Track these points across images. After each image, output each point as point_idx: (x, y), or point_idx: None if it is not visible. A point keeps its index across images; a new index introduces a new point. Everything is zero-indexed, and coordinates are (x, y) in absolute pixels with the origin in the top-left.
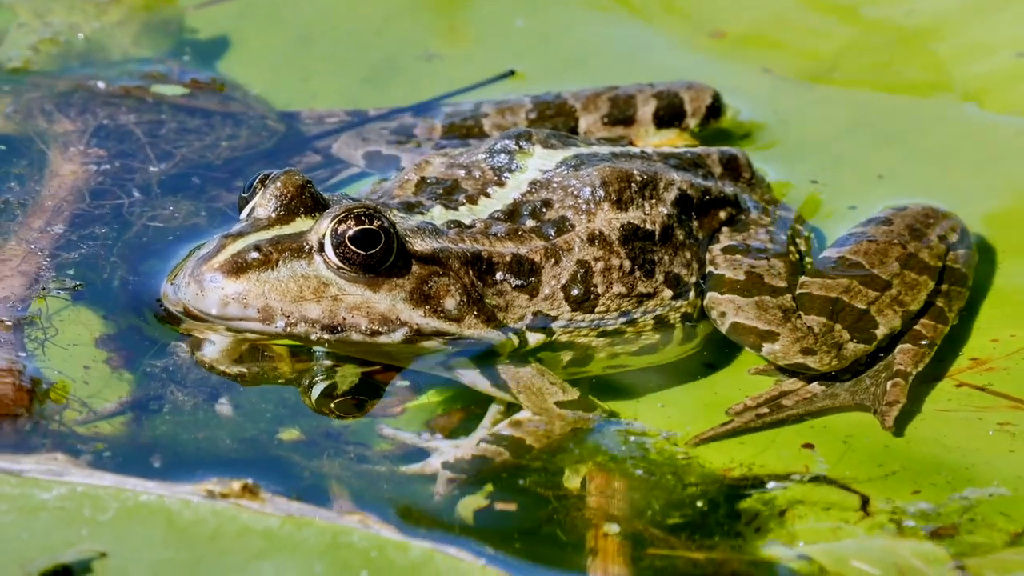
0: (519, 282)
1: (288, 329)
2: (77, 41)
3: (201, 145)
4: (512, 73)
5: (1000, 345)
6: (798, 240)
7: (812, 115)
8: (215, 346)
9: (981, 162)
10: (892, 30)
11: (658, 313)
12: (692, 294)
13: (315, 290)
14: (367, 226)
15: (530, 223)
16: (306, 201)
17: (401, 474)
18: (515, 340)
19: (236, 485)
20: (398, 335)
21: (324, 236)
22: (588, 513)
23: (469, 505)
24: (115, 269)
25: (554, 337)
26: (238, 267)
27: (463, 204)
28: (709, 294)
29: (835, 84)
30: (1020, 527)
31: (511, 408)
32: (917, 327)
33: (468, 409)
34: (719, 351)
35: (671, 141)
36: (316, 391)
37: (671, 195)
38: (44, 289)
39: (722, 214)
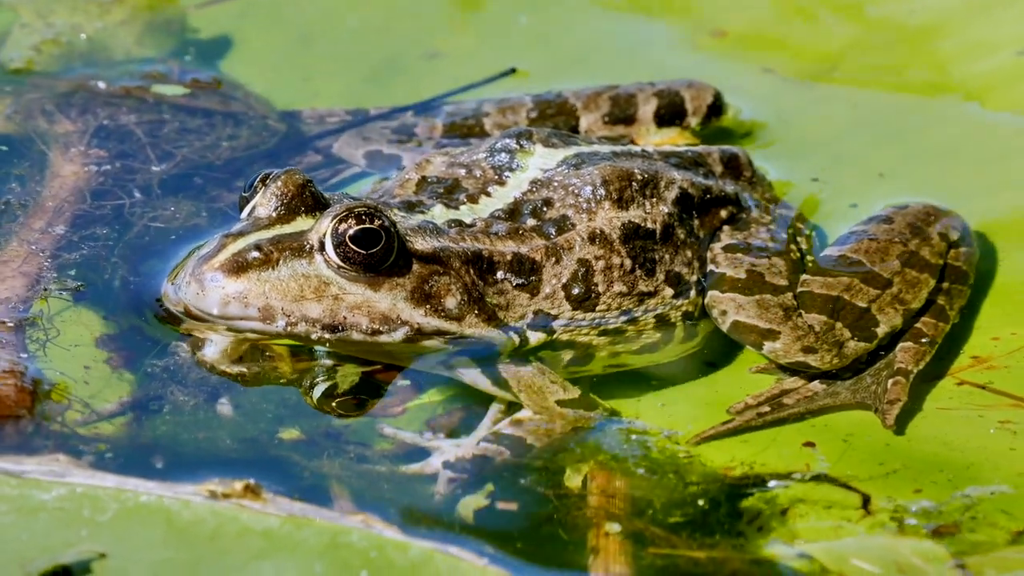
0: (520, 281)
1: (289, 328)
2: (79, 41)
3: (202, 145)
4: (514, 71)
5: (1001, 343)
6: (799, 238)
7: (813, 114)
8: (216, 346)
9: (983, 160)
10: (894, 29)
11: (659, 312)
12: (693, 293)
13: (316, 289)
14: (368, 225)
15: (531, 222)
16: (307, 200)
17: (402, 474)
18: (516, 339)
19: (238, 485)
20: (399, 334)
21: (325, 235)
22: (589, 512)
23: (470, 505)
24: (116, 270)
25: (555, 336)
26: (239, 266)
27: (464, 203)
28: (710, 292)
29: (836, 83)
30: (1021, 525)
31: (512, 407)
32: (918, 325)
33: (469, 408)
34: (720, 350)
35: (672, 140)
36: (317, 390)
37: (672, 194)
38: (45, 290)
39: (723, 213)
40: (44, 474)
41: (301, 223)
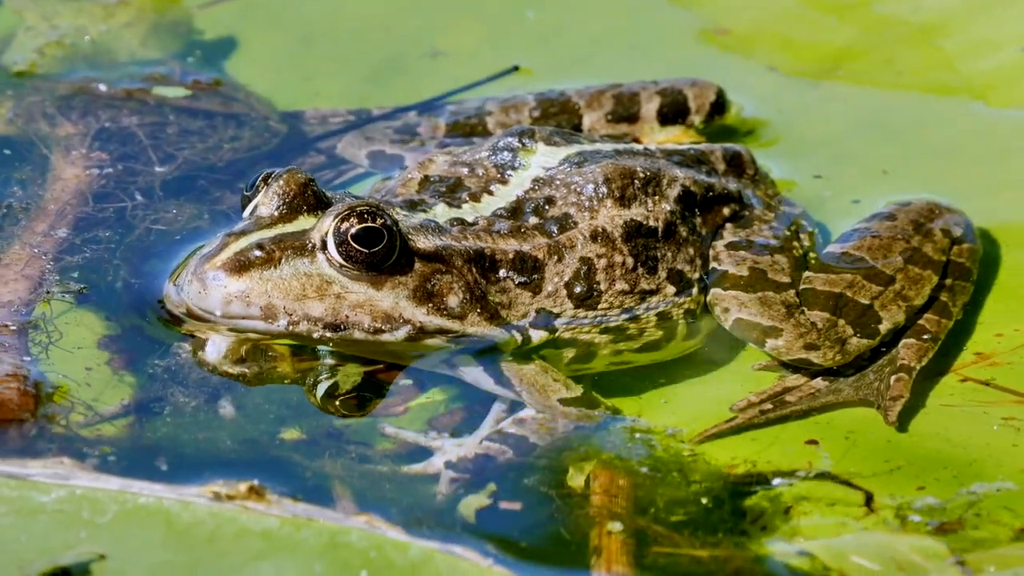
0: (522, 279)
1: (291, 328)
2: (83, 44)
3: (203, 147)
4: (516, 68)
5: (1004, 340)
6: (802, 236)
7: (816, 112)
8: (217, 347)
9: (986, 157)
10: (897, 26)
11: (661, 310)
12: (695, 290)
13: (318, 288)
14: (370, 224)
15: (533, 220)
16: (309, 199)
17: (404, 474)
18: (518, 337)
19: (242, 487)
20: (401, 333)
21: (327, 234)
22: (592, 511)
23: (472, 504)
24: (118, 272)
25: (557, 334)
26: (241, 265)
27: (466, 202)
28: (712, 290)
29: (840, 80)
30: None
31: (514, 406)
32: (921, 322)
33: (471, 407)
34: (722, 347)
35: (676, 138)
36: (319, 390)
37: (674, 192)
38: (48, 293)
39: (726, 210)
40: (49, 477)
41: (303, 222)
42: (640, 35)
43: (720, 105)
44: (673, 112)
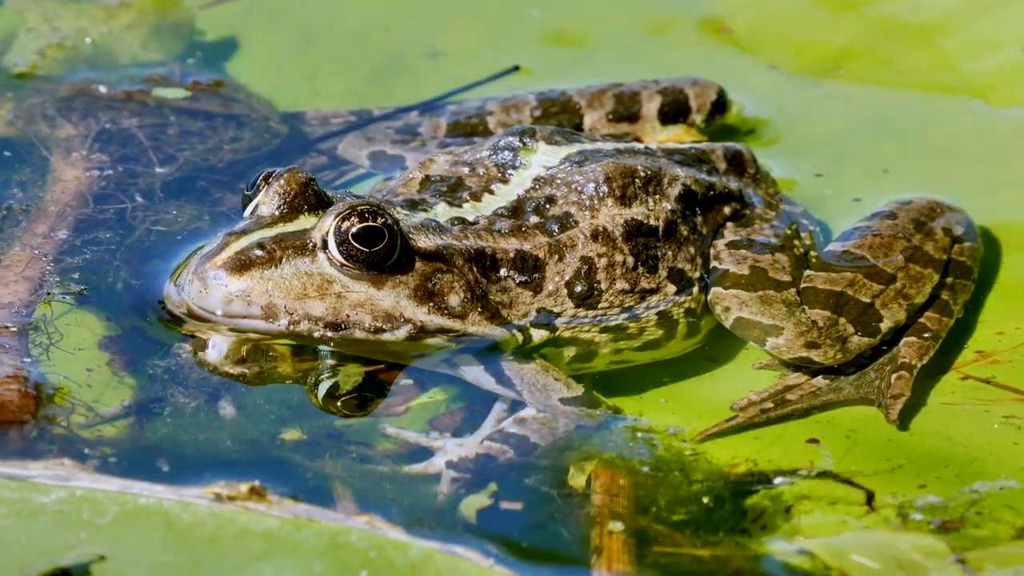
0: (523, 278)
1: (291, 327)
2: (84, 46)
3: (204, 148)
4: (517, 68)
5: (1006, 338)
6: (803, 234)
7: (817, 111)
8: (218, 347)
9: (986, 157)
10: (898, 26)
11: (661, 309)
12: (696, 289)
13: (319, 287)
14: (371, 223)
15: (534, 219)
16: (309, 199)
17: (405, 474)
18: (519, 337)
19: (243, 488)
20: (402, 332)
21: (328, 233)
22: (593, 511)
23: (473, 504)
24: (118, 273)
25: (558, 333)
26: (242, 264)
27: (467, 201)
28: (713, 289)
29: (840, 79)
30: None
31: (515, 405)
32: (922, 320)
33: (472, 407)
34: (722, 346)
35: (678, 137)
36: (319, 390)
37: (675, 191)
38: (48, 294)
39: (726, 209)
40: (50, 478)
41: (304, 221)
42: (641, 34)
43: (721, 104)
44: (674, 111)
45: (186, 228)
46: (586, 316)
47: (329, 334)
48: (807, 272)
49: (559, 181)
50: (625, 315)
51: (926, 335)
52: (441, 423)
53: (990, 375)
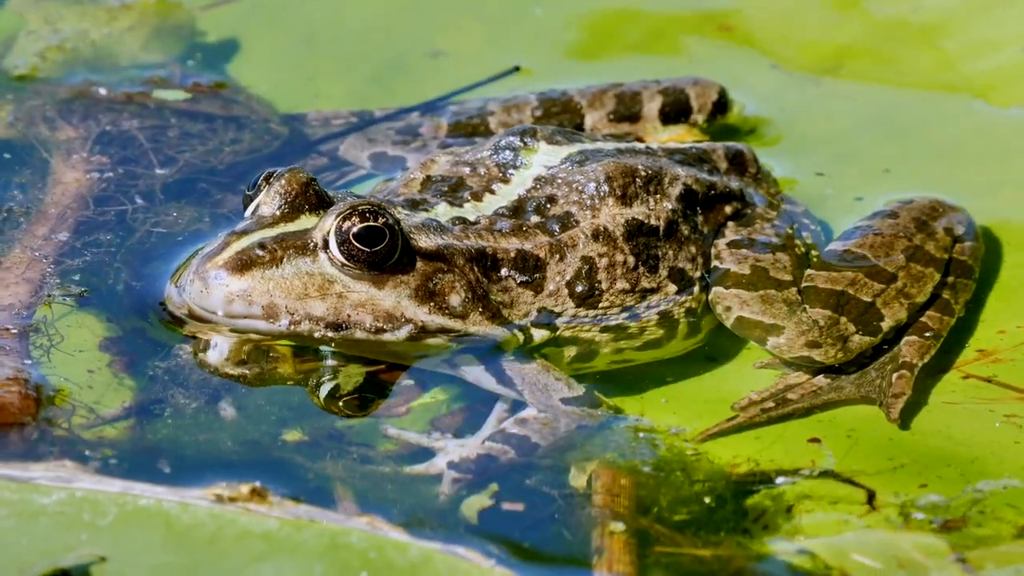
0: (524, 278)
1: (292, 327)
2: (85, 47)
3: (204, 150)
4: (518, 69)
5: (1007, 336)
6: (804, 234)
7: (819, 110)
8: (219, 348)
9: (988, 156)
10: (899, 26)
11: (662, 308)
12: (697, 289)
13: (320, 287)
14: (371, 223)
15: (535, 219)
16: (310, 199)
17: (406, 474)
18: (520, 336)
19: (245, 489)
20: (403, 332)
21: (329, 233)
22: (594, 511)
23: (474, 505)
24: (119, 275)
25: (558, 333)
26: (243, 264)
27: (468, 201)
28: (714, 289)
29: (842, 79)
30: None
31: (516, 406)
32: (923, 319)
33: (473, 407)
34: (723, 346)
35: (680, 137)
36: (320, 391)
37: (676, 190)
38: (49, 296)
39: (727, 209)
40: (51, 480)
41: (305, 221)
42: (642, 33)
43: (722, 104)
44: (675, 111)
45: (186, 230)
46: (587, 316)
47: (330, 334)
48: (808, 271)
49: (560, 181)
50: (626, 315)
51: (927, 334)
52: (442, 423)
53: (991, 374)
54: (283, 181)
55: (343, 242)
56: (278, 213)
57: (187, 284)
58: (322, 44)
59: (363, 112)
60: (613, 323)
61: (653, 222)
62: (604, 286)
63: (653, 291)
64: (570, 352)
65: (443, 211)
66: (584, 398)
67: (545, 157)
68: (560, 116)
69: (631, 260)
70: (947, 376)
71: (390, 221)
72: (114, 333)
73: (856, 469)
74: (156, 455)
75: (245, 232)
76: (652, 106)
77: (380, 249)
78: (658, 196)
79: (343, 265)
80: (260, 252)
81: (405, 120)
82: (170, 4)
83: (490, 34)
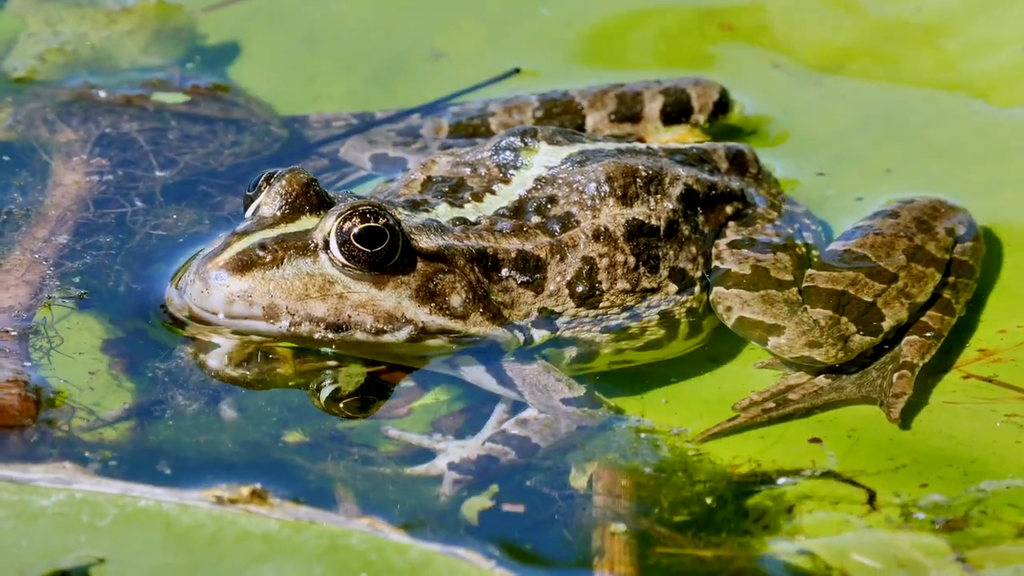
0: (524, 279)
1: (292, 328)
2: (85, 50)
3: (204, 152)
4: (518, 71)
5: (1008, 336)
6: (805, 234)
7: (820, 110)
8: (219, 350)
9: (988, 156)
10: (900, 26)
11: (663, 308)
12: (697, 289)
13: (320, 288)
14: (372, 223)
15: (535, 219)
16: (311, 199)
17: (407, 475)
18: (520, 337)
19: (245, 491)
20: (403, 333)
21: (329, 234)
22: (595, 512)
23: (475, 506)
24: (119, 277)
25: (559, 333)
26: (243, 265)
27: (468, 201)
28: (715, 289)
29: (843, 79)
30: None
31: (517, 406)
32: (924, 319)
33: (474, 408)
34: (724, 346)
35: (682, 137)
36: (321, 392)
37: (676, 190)
38: (49, 298)
39: (728, 209)
40: (51, 481)
41: (306, 222)
42: (643, 33)
43: (724, 104)
44: (676, 112)
45: (186, 232)
46: (587, 316)
47: (330, 335)
48: (809, 271)
49: (561, 181)
50: (627, 315)
51: (928, 334)
52: (443, 425)
53: (992, 373)
54: (284, 182)
55: (344, 243)
56: (279, 214)
57: (188, 285)
58: (322, 46)
59: (364, 114)
60: (614, 323)
61: (654, 222)
62: (605, 286)
63: (654, 291)
64: (571, 353)
65: (444, 212)
66: (585, 399)
67: (546, 157)
68: (561, 117)
69: (632, 260)
70: (948, 376)
71: (391, 222)
72: (114, 335)
73: (857, 469)
74: (156, 457)
75: (246, 233)
76: (653, 106)
77: (381, 250)
78: (659, 196)
79: (344, 266)
80: (261, 253)
81: (406, 122)
82: (170, 7)
83: (491, 35)
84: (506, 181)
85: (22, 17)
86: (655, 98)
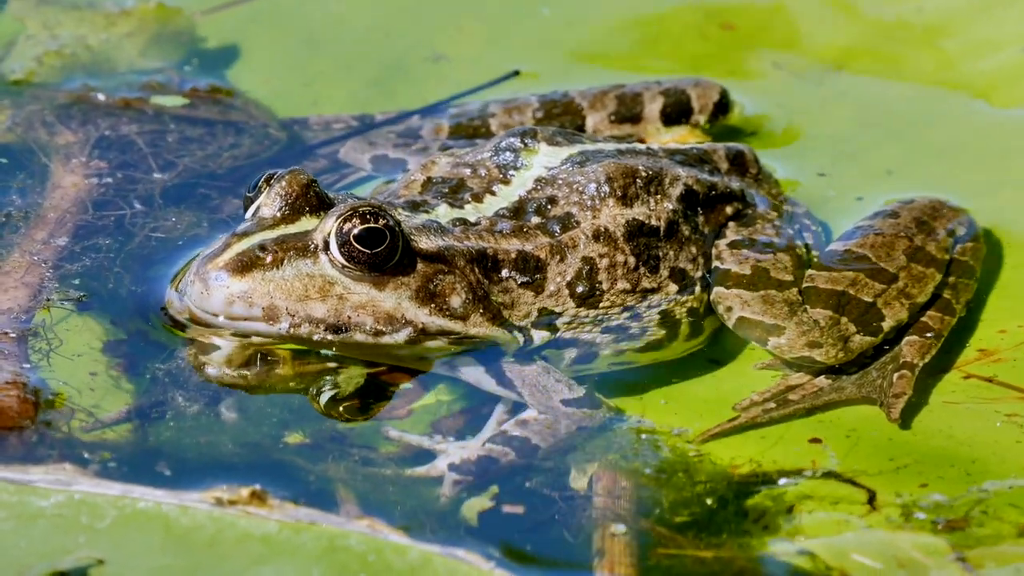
0: (524, 279)
1: (292, 329)
2: (83, 53)
3: (203, 155)
4: (517, 73)
5: (1008, 336)
6: (805, 234)
7: (821, 111)
8: (220, 351)
9: (989, 157)
10: (900, 26)
11: (663, 308)
12: (698, 289)
13: (320, 289)
14: (372, 224)
15: (535, 220)
16: (311, 200)
17: (407, 476)
18: (520, 338)
19: (244, 492)
20: (403, 334)
21: (329, 235)
22: (595, 513)
23: (475, 507)
24: (119, 279)
25: (559, 334)
26: (243, 266)
27: (468, 202)
28: (715, 289)
29: (844, 80)
30: None
31: (517, 407)
32: (924, 319)
33: (474, 409)
34: (724, 347)
35: (682, 138)
36: (322, 394)
37: (676, 191)
38: (48, 300)
39: (728, 209)
40: (50, 483)
41: (306, 223)
42: (643, 33)
43: (724, 105)
44: (676, 112)
45: (185, 234)
46: (588, 316)
47: (330, 337)
48: (809, 271)
49: (560, 182)
50: (627, 315)
51: (928, 334)
52: (443, 425)
53: (992, 373)
54: (284, 183)
55: (344, 244)
56: (279, 215)
57: (188, 286)
58: (322, 48)
59: (364, 116)
60: (614, 323)
61: (654, 222)
62: (605, 286)
63: (654, 291)
64: (571, 354)
65: (444, 212)
66: (585, 400)
67: (546, 158)
68: (561, 118)
69: (632, 260)
70: (948, 376)
71: (391, 223)
72: (114, 337)
73: (857, 469)
74: (155, 458)
75: (246, 234)
76: (653, 107)
77: (381, 251)
78: (659, 197)
79: (344, 267)
80: (261, 254)
81: (406, 123)
82: (169, 10)
83: (491, 36)
84: (506, 182)
85: (21, 20)
86: (655, 99)
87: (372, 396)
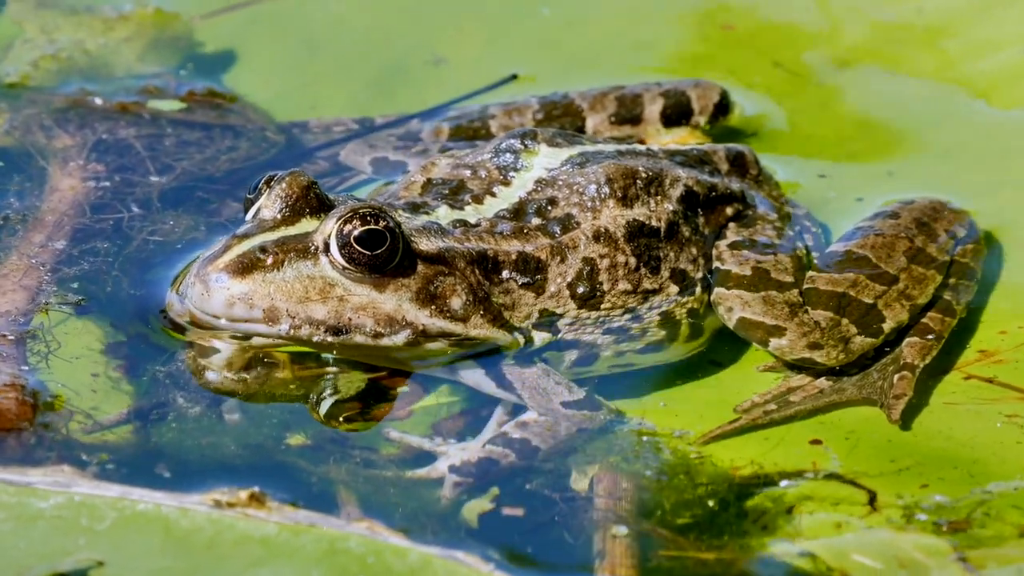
0: (525, 280)
1: (292, 331)
2: (80, 57)
3: (201, 158)
4: (515, 77)
5: (1008, 337)
6: (805, 235)
7: (821, 111)
8: (220, 354)
9: (989, 157)
10: (901, 27)
11: (664, 309)
12: (698, 290)
13: (321, 291)
14: (372, 226)
15: (536, 221)
16: (311, 202)
17: (408, 478)
18: (521, 340)
19: (243, 494)
20: (403, 336)
21: (330, 236)
22: (596, 515)
23: (475, 508)
24: (117, 282)
25: (560, 335)
26: (244, 267)
27: (469, 204)
28: (716, 289)
29: (844, 80)
30: None
31: (517, 409)
32: (925, 320)
33: (475, 411)
34: (725, 349)
35: (683, 139)
36: (323, 396)
37: (677, 191)
38: (46, 303)
39: (728, 210)
40: (49, 484)
41: (306, 224)
42: (644, 34)
43: (724, 106)
44: (676, 114)
45: (183, 238)
46: (588, 317)
47: (330, 338)
48: (809, 273)
49: (561, 183)
50: (628, 316)
51: (929, 335)
52: (444, 427)
53: (993, 374)
54: (284, 184)
55: (344, 245)
56: (279, 216)
57: (188, 287)
58: (322, 51)
59: (364, 119)
60: (615, 324)
61: (654, 223)
62: (605, 287)
63: (655, 292)
64: (571, 356)
65: (444, 214)
66: (585, 401)
67: (546, 159)
68: (561, 119)
69: (632, 261)
70: (948, 377)
71: (391, 224)
72: (113, 340)
73: (858, 470)
74: (155, 460)
75: (246, 235)
76: (653, 108)
77: (381, 252)
78: (659, 198)
79: (344, 268)
80: (261, 255)
81: (406, 126)
82: (167, 15)
83: (491, 37)
84: (506, 183)
85: (19, 23)
86: (655, 100)
87: (373, 398)
